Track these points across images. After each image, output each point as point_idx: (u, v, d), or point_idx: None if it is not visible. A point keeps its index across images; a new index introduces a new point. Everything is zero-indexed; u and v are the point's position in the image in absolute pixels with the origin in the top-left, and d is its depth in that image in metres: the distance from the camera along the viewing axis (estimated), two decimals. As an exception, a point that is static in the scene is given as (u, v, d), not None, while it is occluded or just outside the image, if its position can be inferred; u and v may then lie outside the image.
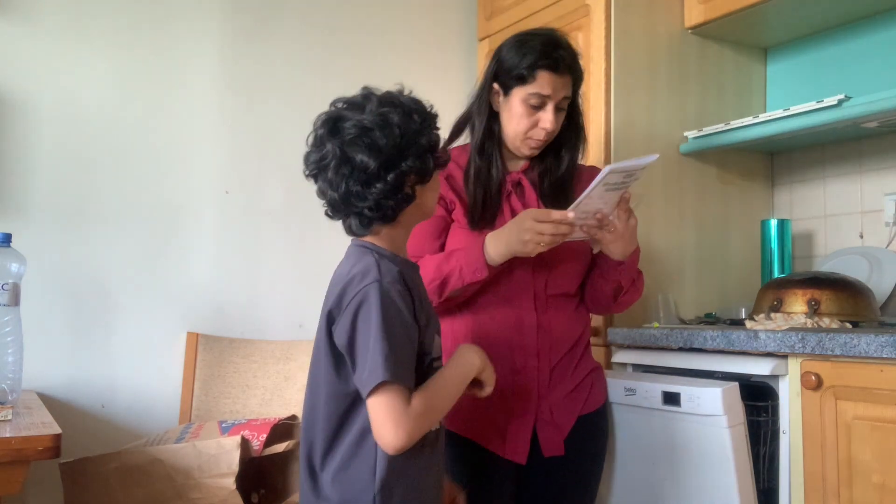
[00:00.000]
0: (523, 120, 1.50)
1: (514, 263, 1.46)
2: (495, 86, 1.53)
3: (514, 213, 1.50)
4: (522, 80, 1.48)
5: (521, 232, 1.38)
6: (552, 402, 1.52)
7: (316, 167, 1.17)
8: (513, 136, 1.53)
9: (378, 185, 1.14)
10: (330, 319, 1.17)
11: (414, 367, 1.16)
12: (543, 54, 1.47)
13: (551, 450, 1.51)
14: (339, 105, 1.19)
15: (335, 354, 1.17)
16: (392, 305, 1.13)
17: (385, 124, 1.14)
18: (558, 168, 1.57)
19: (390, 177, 1.14)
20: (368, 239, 1.22)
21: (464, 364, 1.24)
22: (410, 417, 1.11)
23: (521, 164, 1.60)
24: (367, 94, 1.19)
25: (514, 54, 1.49)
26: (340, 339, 1.15)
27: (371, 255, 1.19)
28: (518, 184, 1.56)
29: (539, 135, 1.51)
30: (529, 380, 1.50)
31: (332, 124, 1.16)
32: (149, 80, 2.20)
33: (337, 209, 1.19)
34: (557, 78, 1.48)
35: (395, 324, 1.13)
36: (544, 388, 1.52)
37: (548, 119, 1.49)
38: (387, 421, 1.11)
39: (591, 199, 1.38)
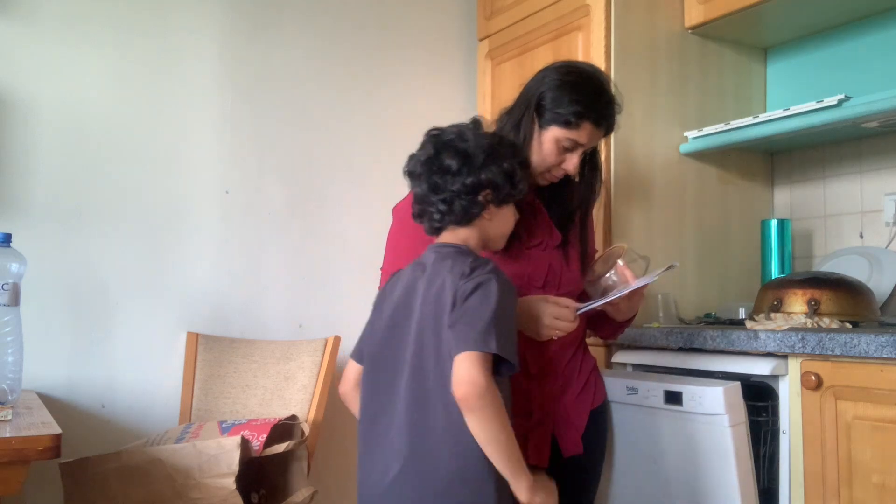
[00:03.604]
0: (551, 157, 1.50)
1: (525, 288, 1.47)
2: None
3: (529, 231, 1.52)
4: (567, 124, 1.47)
5: (541, 327, 1.41)
6: (567, 402, 1.55)
7: (410, 164, 1.35)
8: (533, 166, 1.51)
9: (455, 186, 1.29)
10: (438, 323, 1.22)
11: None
12: (592, 108, 1.47)
13: (571, 449, 1.53)
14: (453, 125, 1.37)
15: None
16: (510, 293, 1.25)
17: (477, 141, 1.31)
18: (569, 196, 1.59)
19: (468, 180, 1.29)
20: (449, 240, 1.33)
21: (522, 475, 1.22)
22: (491, 393, 1.15)
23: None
24: (477, 120, 1.37)
25: (563, 95, 1.47)
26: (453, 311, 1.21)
27: (469, 254, 1.30)
28: (531, 204, 1.56)
29: (559, 173, 1.53)
30: (545, 384, 1.52)
31: (437, 132, 1.34)
32: (149, 80, 2.20)
33: (420, 202, 1.34)
34: (596, 130, 1.49)
35: (509, 305, 1.23)
36: (558, 390, 1.54)
37: (573, 163, 1.50)
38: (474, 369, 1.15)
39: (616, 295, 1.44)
